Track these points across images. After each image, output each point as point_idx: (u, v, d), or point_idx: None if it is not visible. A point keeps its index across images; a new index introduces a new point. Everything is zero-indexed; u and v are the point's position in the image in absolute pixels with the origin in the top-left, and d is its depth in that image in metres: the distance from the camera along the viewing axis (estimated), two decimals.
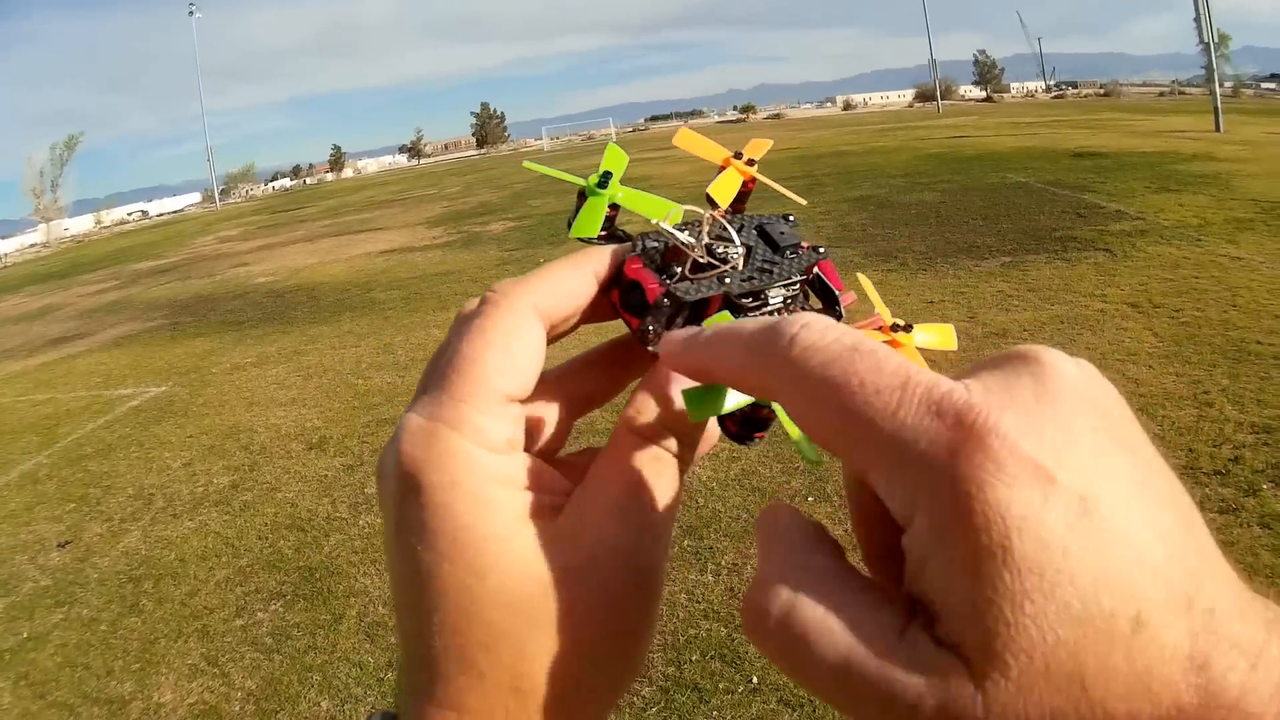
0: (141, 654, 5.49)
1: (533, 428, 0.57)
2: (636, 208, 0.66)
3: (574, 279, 0.58)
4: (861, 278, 0.66)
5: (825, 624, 0.41)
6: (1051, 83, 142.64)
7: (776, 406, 0.54)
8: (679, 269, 0.59)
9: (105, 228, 77.51)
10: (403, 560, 0.51)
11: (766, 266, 0.61)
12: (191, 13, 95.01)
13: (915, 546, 0.39)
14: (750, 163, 0.70)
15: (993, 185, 19.56)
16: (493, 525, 0.50)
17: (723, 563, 5.56)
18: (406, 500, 0.50)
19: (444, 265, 18.60)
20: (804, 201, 0.73)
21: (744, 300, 0.60)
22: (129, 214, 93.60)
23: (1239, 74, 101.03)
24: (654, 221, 0.62)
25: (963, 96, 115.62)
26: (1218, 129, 30.28)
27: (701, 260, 0.60)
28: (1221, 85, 35.60)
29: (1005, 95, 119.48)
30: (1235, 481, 5.75)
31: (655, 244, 0.61)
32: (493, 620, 0.49)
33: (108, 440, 9.95)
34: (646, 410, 0.57)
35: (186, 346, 14.44)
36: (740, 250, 0.61)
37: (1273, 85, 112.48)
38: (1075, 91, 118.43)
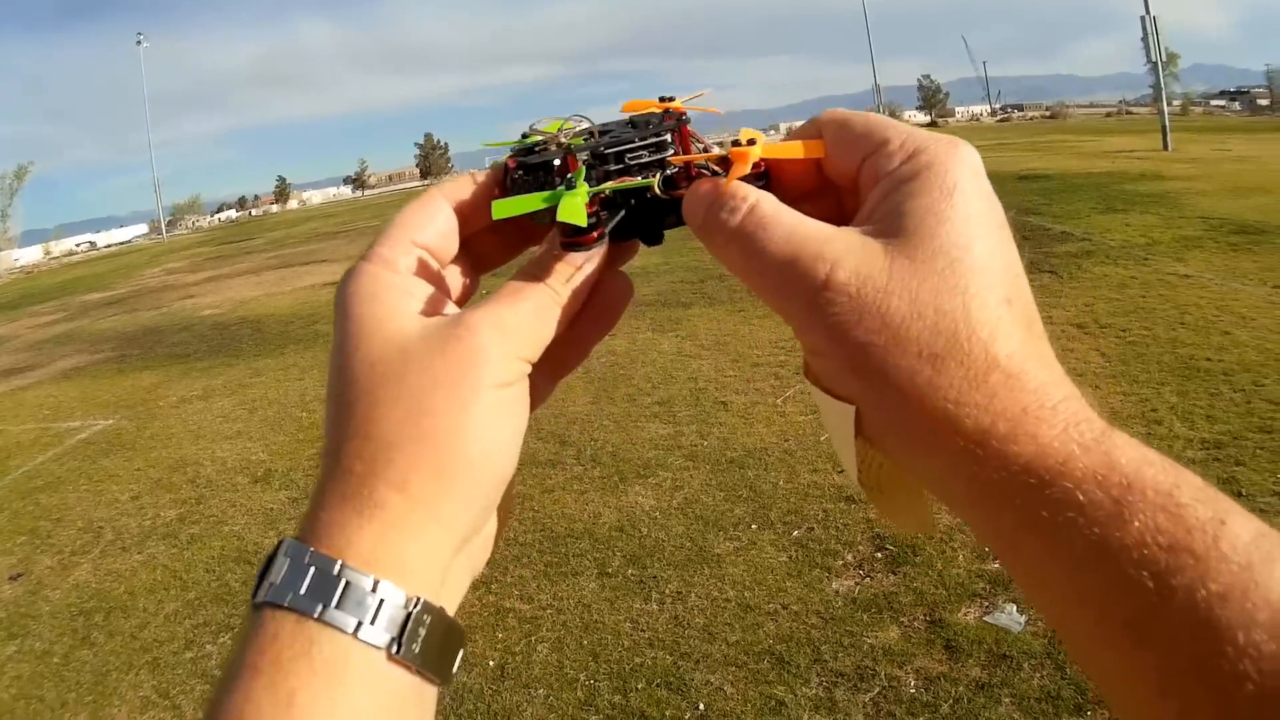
0: (94, 686, 5.47)
1: (445, 280, 0.70)
2: (549, 127, 0.73)
3: (473, 177, 0.72)
4: (744, 129, 0.70)
5: (778, 211, 0.61)
6: (997, 106, 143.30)
7: (568, 199, 0.64)
8: (548, 147, 0.71)
9: (54, 259, 76.98)
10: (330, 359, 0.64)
11: (617, 136, 0.71)
12: (139, 42, 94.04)
13: (884, 185, 0.60)
14: (670, 100, 0.77)
15: None
16: (375, 312, 0.62)
17: (667, 591, 5.58)
18: (335, 312, 0.65)
19: None
20: (720, 111, 0.81)
21: (600, 161, 0.70)
22: (77, 245, 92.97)
23: (1188, 92, 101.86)
24: (532, 128, 0.74)
25: (907, 121, 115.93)
26: (1166, 147, 30.76)
27: (559, 143, 0.70)
28: (1170, 104, 35.97)
29: (950, 119, 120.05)
30: None
31: (529, 145, 0.72)
32: (358, 378, 0.60)
33: (57, 473, 9.92)
34: (535, 257, 0.70)
35: (134, 379, 14.46)
36: (596, 133, 0.72)
37: (1223, 102, 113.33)
38: (1021, 114, 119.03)
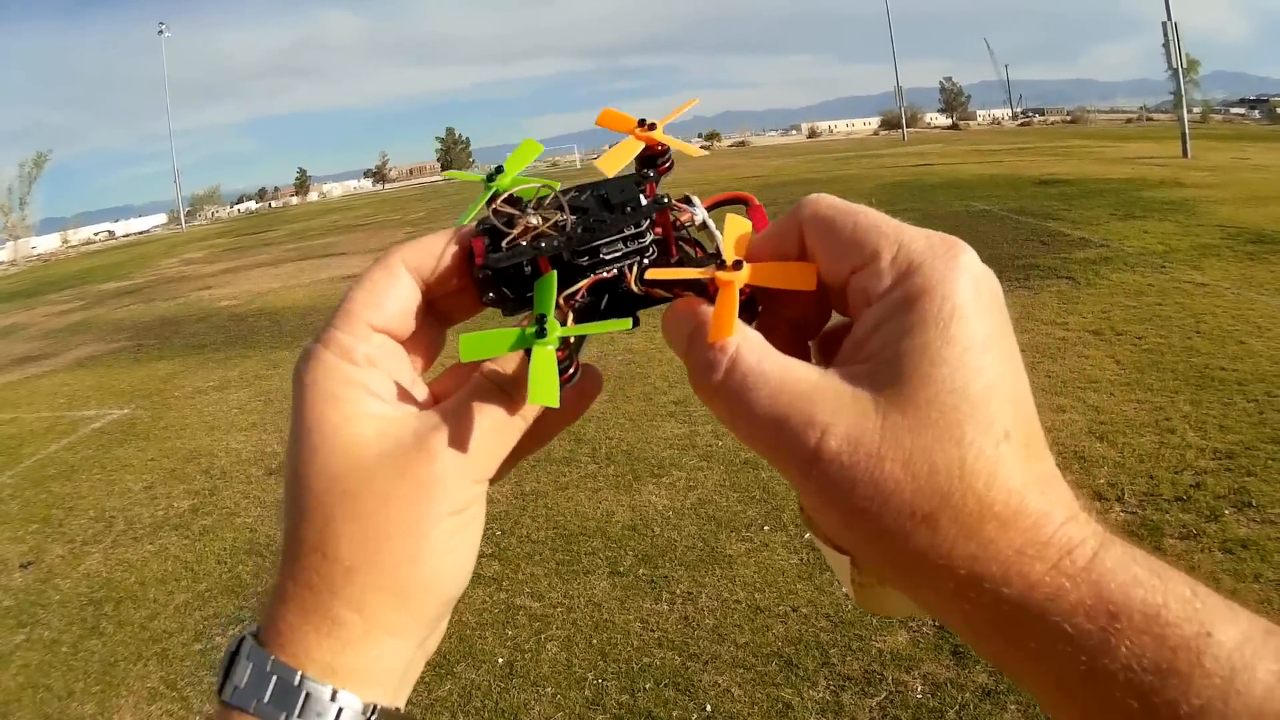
0: (102, 676, 5.48)
1: (406, 364, 0.69)
2: (521, 193, 0.72)
3: (438, 242, 0.69)
4: (729, 216, 0.70)
5: (762, 364, 0.58)
6: (1018, 110, 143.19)
7: (539, 356, 0.62)
8: (517, 239, 0.68)
9: (72, 247, 77.53)
10: (287, 455, 0.64)
11: (592, 226, 0.68)
12: (161, 31, 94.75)
13: (877, 312, 0.56)
14: (651, 127, 0.73)
15: (956, 213, 19.69)
16: (333, 415, 0.62)
17: (677, 591, 5.58)
18: (293, 400, 0.64)
19: None
20: (702, 152, 0.81)
21: (575, 258, 0.68)
22: (95, 234, 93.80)
23: (1208, 99, 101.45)
24: (493, 203, 0.71)
25: (928, 124, 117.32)
26: (1185, 155, 30.63)
27: (529, 229, 0.68)
28: (1190, 111, 35.86)
29: (971, 122, 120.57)
30: (1196, 507, 5.78)
31: (497, 222, 0.69)
32: (315, 490, 0.60)
33: (70, 462, 9.94)
34: (498, 363, 0.67)
35: (149, 369, 14.45)
36: (568, 217, 0.68)
37: (1242, 110, 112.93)
38: (1042, 119, 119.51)
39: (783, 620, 5.11)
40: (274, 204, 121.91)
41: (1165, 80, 41.75)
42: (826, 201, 0.64)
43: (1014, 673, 0.52)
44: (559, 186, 0.72)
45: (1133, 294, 11.16)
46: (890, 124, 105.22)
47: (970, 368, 0.53)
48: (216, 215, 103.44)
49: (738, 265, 0.63)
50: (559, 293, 0.66)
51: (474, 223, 0.71)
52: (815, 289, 0.63)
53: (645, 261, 0.70)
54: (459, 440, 0.62)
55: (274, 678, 0.56)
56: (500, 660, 5.10)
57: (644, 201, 0.70)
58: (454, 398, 0.66)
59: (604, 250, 0.68)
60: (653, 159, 0.74)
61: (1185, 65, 36.16)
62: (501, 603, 5.68)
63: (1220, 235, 14.31)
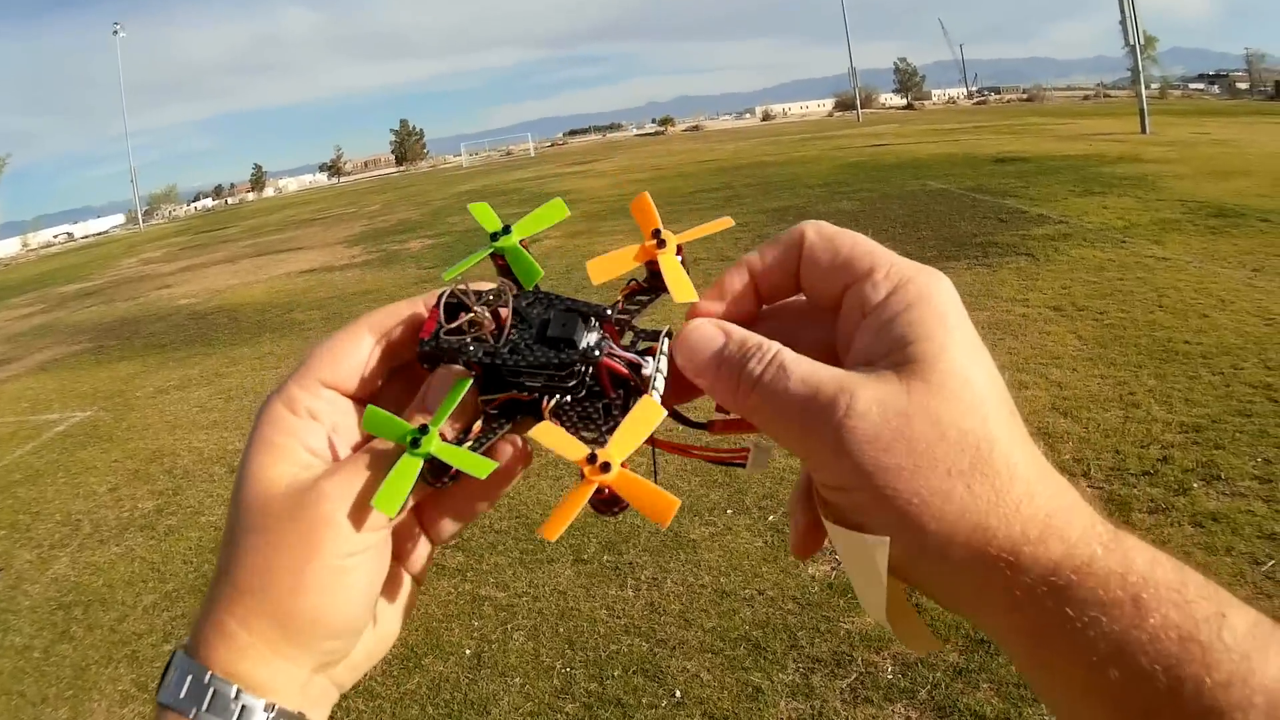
0: (74, 681, 5.47)
1: (345, 420, 0.73)
2: (514, 264, 0.76)
3: (405, 309, 0.75)
4: (644, 401, 0.71)
5: (797, 361, 0.62)
6: (974, 89, 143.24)
7: (402, 464, 0.66)
8: (458, 330, 0.72)
9: (31, 250, 77.29)
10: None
11: (521, 350, 0.71)
12: (116, 32, 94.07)
13: (879, 315, 0.61)
14: (662, 243, 0.75)
15: (912, 193, 19.84)
16: (263, 459, 0.68)
17: (642, 578, 5.61)
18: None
19: (363, 284, 18.87)
20: (694, 297, 0.76)
21: (500, 366, 0.71)
22: (55, 236, 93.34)
23: (1166, 76, 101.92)
24: (459, 283, 0.74)
25: (883, 104, 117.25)
26: (1144, 131, 30.82)
27: (472, 324, 0.71)
28: (1148, 87, 36.05)
29: (927, 102, 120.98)
30: (1165, 481, 5.81)
31: (455, 301, 0.73)
32: (230, 524, 0.68)
33: (36, 466, 9.92)
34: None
35: (111, 370, 14.43)
36: (507, 329, 0.72)
37: (1201, 85, 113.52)
38: (998, 97, 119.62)
39: (749, 604, 5.15)
40: (230, 201, 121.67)
41: (1123, 57, 42.16)
42: (827, 226, 0.68)
43: (1043, 652, 0.53)
44: (540, 276, 0.75)
45: (1093, 269, 11.24)
46: (845, 105, 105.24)
47: (971, 359, 0.58)
48: (174, 214, 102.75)
49: (606, 468, 0.65)
50: (485, 391, 0.72)
51: (446, 290, 0.74)
52: (666, 524, 0.66)
53: (565, 400, 0.72)
54: (350, 486, 0.67)
55: (189, 676, 0.64)
56: (468, 651, 5.13)
57: (583, 344, 0.70)
58: (358, 450, 0.71)
59: (525, 377, 0.71)
60: (656, 276, 0.76)
61: (1143, 42, 36.33)
62: (467, 594, 5.71)
63: (1181, 210, 14.43)
